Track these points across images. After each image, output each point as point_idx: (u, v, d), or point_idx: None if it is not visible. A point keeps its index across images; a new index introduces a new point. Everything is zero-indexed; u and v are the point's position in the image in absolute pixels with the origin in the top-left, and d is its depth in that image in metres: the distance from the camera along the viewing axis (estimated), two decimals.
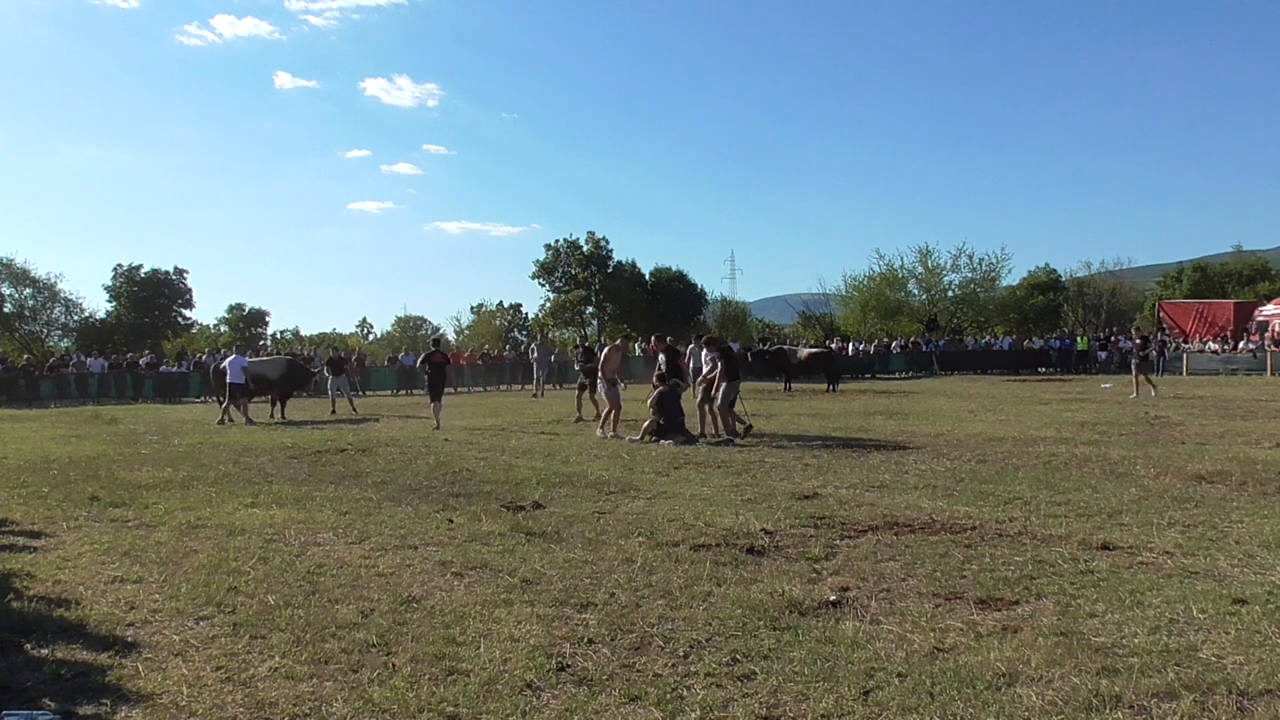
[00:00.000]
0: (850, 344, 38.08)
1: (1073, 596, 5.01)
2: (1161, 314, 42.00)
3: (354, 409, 21.23)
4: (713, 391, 13.44)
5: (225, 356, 22.85)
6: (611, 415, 14.00)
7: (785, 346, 31.38)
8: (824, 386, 26.09)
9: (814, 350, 29.50)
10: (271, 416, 19.78)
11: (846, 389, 26.14)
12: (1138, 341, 23.34)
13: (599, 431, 13.91)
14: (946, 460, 10.54)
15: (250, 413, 19.34)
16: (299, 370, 21.85)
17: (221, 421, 18.37)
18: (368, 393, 29.95)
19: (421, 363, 18.72)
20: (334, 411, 20.95)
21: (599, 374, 14.72)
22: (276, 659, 4.28)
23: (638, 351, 32.02)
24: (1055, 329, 46.92)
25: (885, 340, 40.48)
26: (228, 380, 19.04)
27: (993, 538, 6.44)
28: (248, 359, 20.99)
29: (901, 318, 46.83)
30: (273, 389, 20.78)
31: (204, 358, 33.19)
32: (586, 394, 16.87)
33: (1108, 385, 25.80)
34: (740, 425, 13.26)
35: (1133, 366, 21.79)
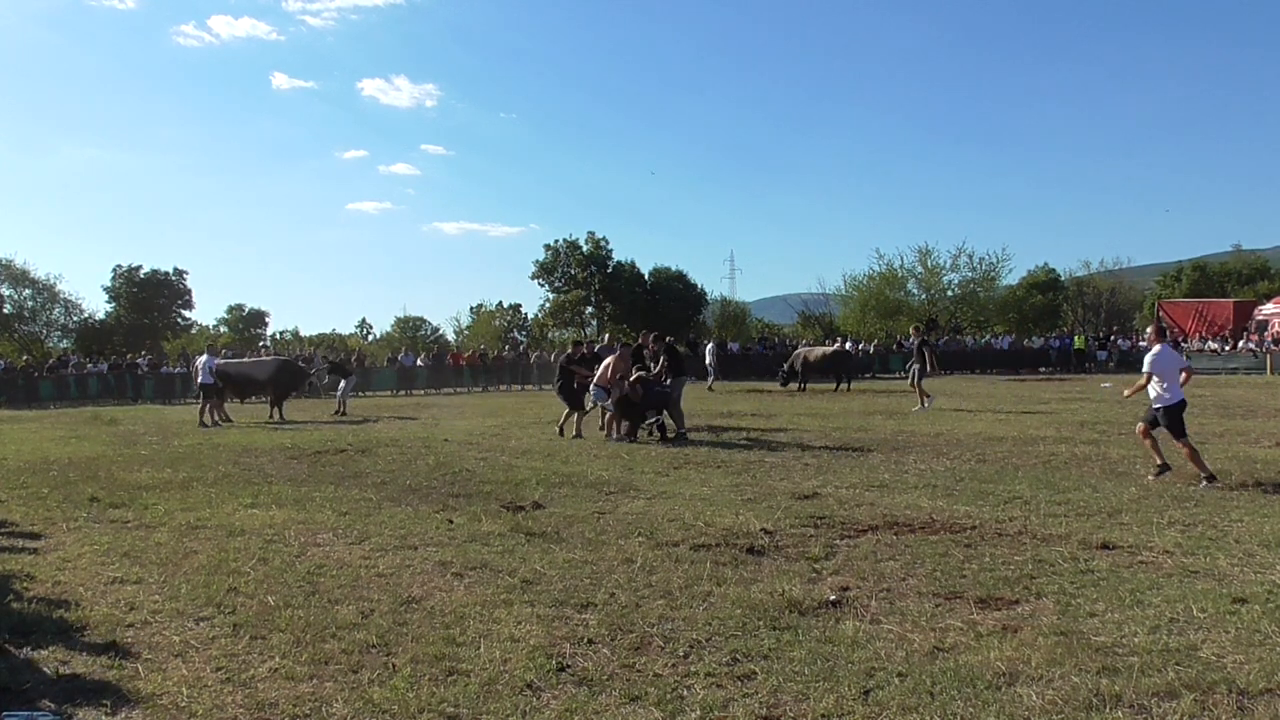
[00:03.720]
0: (849, 343, 38.05)
1: (1073, 596, 5.01)
2: (1161, 313, 42.03)
3: (344, 411, 21.09)
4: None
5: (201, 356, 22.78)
6: (612, 418, 13.94)
7: (799, 348, 30.99)
8: (828, 386, 26.01)
9: (829, 350, 29.24)
10: (271, 417, 19.77)
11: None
12: (916, 343, 18.57)
13: (607, 439, 13.75)
14: (946, 460, 10.54)
15: (225, 412, 19.25)
16: (291, 370, 21.71)
17: (216, 423, 18.39)
18: (368, 393, 29.92)
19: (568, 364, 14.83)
20: (339, 412, 20.84)
21: (592, 381, 14.59)
22: (276, 660, 4.28)
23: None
24: (1055, 329, 46.97)
25: (888, 340, 40.42)
26: (198, 381, 19.08)
27: (993, 537, 6.44)
28: (219, 359, 20.82)
29: (901, 317, 46.80)
30: (264, 390, 20.72)
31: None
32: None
33: (1107, 385, 25.80)
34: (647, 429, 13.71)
35: (913, 373, 18.20)
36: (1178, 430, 8.70)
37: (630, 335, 41.29)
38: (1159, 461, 8.89)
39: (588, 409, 14.37)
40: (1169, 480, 8.62)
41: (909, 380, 18.58)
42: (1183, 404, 8.87)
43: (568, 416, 14.35)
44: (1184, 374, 8.98)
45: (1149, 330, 9.69)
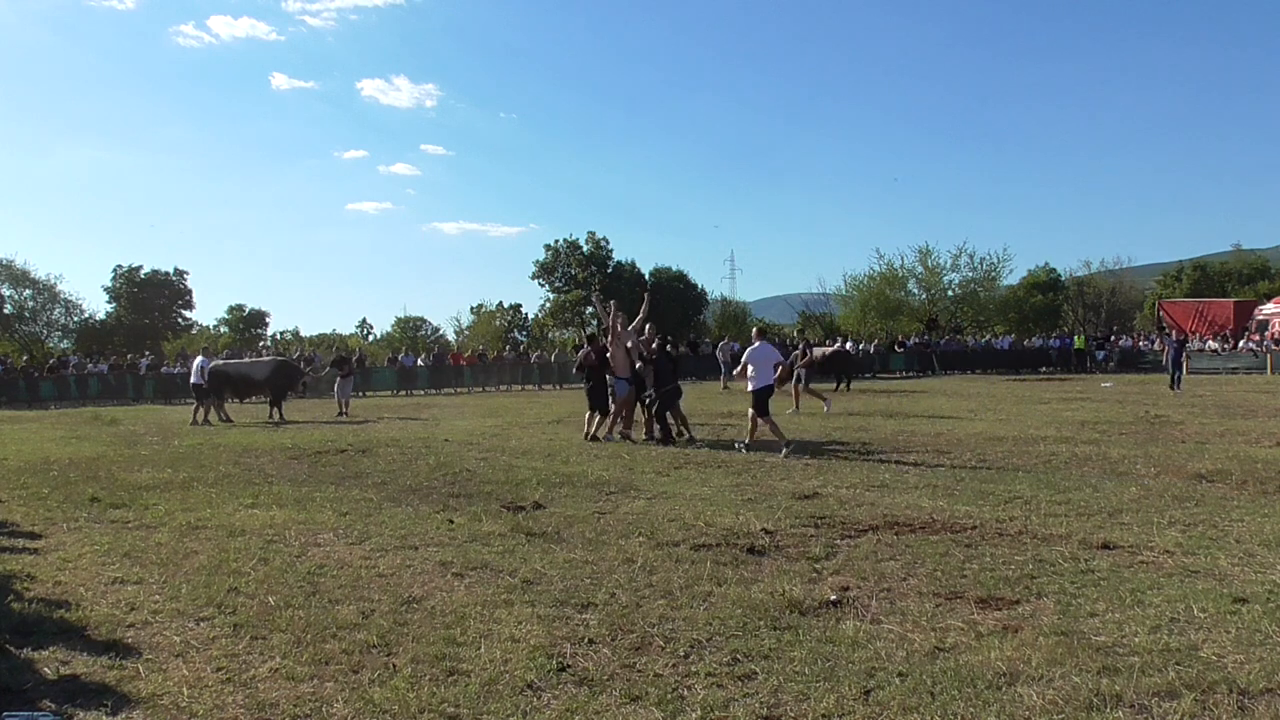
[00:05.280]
0: (849, 343, 38.03)
1: (1073, 596, 5.01)
2: (1161, 313, 42.02)
3: (343, 411, 20.97)
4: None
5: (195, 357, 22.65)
6: (614, 416, 13.86)
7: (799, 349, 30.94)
8: (828, 386, 25.97)
9: (829, 350, 29.24)
10: (270, 417, 19.76)
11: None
12: (798, 351, 18.54)
13: (610, 435, 13.69)
14: (946, 460, 10.54)
15: (213, 414, 19.16)
16: (289, 370, 21.66)
17: (206, 422, 18.40)
18: (367, 393, 29.92)
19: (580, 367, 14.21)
20: (342, 413, 20.75)
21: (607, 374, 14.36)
22: (277, 660, 4.28)
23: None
24: (1055, 328, 46.98)
25: (888, 340, 40.39)
26: (191, 381, 19.08)
27: (993, 537, 6.44)
28: (212, 360, 20.72)
29: (901, 317, 46.80)
30: (263, 390, 20.69)
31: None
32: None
33: (1108, 385, 25.82)
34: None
35: (799, 377, 17.80)
36: (762, 410, 11.37)
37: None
38: (784, 441, 11.12)
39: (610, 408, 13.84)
40: (1168, 480, 8.61)
41: (800, 383, 18.04)
42: (769, 389, 11.48)
43: (601, 420, 13.69)
44: (777, 366, 11.74)
45: (754, 330, 12.56)
